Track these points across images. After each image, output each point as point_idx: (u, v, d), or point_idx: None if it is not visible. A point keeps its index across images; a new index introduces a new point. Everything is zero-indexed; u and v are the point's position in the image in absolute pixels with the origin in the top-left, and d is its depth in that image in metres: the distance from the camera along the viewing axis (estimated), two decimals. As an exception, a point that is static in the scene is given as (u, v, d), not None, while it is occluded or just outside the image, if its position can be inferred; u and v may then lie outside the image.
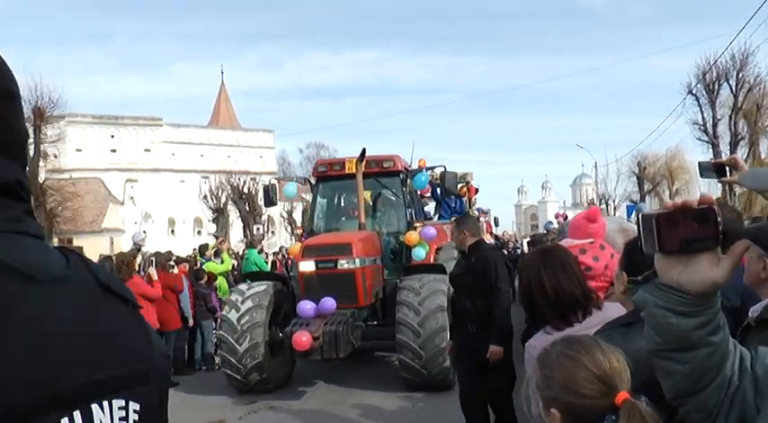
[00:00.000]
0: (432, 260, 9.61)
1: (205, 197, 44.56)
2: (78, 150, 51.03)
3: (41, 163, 30.29)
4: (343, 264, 8.16)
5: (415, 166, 10.62)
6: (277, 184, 10.93)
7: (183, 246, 31.63)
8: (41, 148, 30.00)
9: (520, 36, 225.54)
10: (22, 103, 0.92)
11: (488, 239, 14.33)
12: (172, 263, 10.17)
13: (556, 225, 16.11)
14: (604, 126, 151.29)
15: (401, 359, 8.04)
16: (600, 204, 49.05)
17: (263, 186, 10.73)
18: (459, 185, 13.64)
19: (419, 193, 11.43)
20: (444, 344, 7.72)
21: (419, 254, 9.43)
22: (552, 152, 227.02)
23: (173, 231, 55.79)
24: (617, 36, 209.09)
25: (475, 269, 5.62)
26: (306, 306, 7.89)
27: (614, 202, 47.06)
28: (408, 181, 10.13)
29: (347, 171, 9.58)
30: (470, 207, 14.99)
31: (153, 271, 9.26)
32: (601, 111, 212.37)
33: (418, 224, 9.80)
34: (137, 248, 11.69)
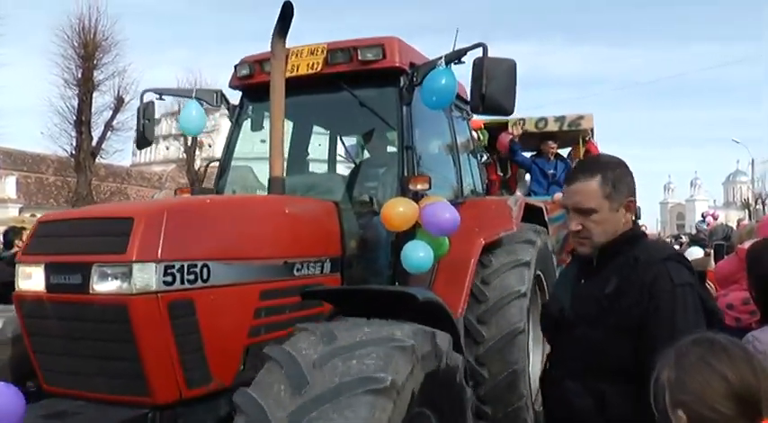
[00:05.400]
0: (467, 277, 4.20)
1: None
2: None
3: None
4: (107, 278, 2.57)
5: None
6: (154, 104, 4.81)
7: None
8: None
9: (683, 22, 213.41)
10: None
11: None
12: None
13: (706, 225, 14.89)
14: (763, 120, 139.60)
15: None
16: (756, 205, 45.62)
17: (138, 107, 4.83)
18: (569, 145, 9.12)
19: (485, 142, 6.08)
20: None
21: (413, 259, 3.73)
22: (703, 147, 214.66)
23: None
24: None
25: (612, 305, 2.18)
26: None
27: (773, 202, 43.72)
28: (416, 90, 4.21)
29: (299, 72, 4.24)
30: None
31: None
32: (760, 102, 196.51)
33: (419, 185, 3.93)
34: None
